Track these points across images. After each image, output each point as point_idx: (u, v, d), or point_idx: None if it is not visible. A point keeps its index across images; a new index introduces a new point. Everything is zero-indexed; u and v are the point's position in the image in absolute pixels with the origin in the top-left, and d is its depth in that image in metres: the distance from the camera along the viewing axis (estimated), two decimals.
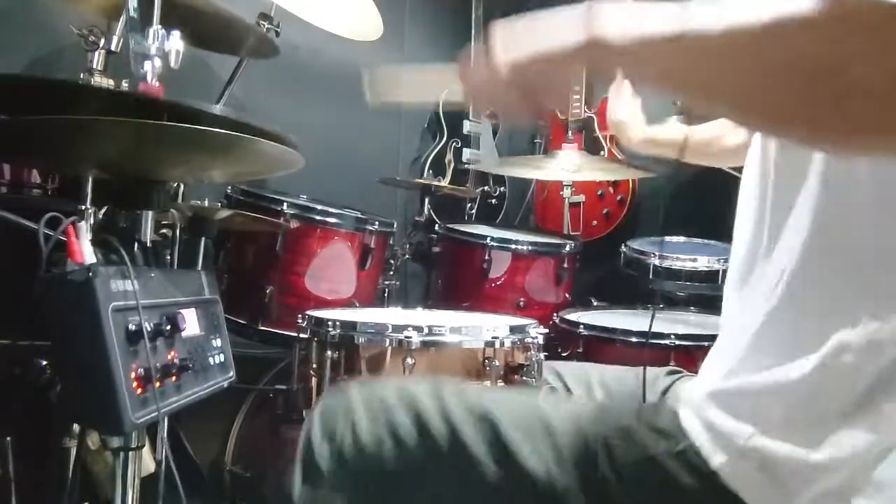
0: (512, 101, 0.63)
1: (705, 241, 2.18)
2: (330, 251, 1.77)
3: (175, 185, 1.37)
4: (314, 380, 1.25)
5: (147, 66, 0.98)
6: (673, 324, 1.66)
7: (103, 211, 1.18)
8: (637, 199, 2.75)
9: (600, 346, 1.61)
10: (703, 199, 2.19)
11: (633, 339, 1.59)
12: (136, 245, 1.02)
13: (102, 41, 1.26)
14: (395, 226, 1.88)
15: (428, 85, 0.83)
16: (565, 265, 2.00)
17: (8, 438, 1.31)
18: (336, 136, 2.68)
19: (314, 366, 1.26)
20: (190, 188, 1.43)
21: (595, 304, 2.13)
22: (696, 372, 0.83)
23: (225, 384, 1.10)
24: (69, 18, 1.47)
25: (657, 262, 2.03)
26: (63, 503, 1.18)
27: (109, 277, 0.86)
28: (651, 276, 2.03)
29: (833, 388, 0.65)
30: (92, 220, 1.16)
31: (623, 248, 2.16)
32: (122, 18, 1.29)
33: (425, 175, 2.87)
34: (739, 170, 0.84)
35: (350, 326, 1.22)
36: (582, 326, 1.66)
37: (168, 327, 0.93)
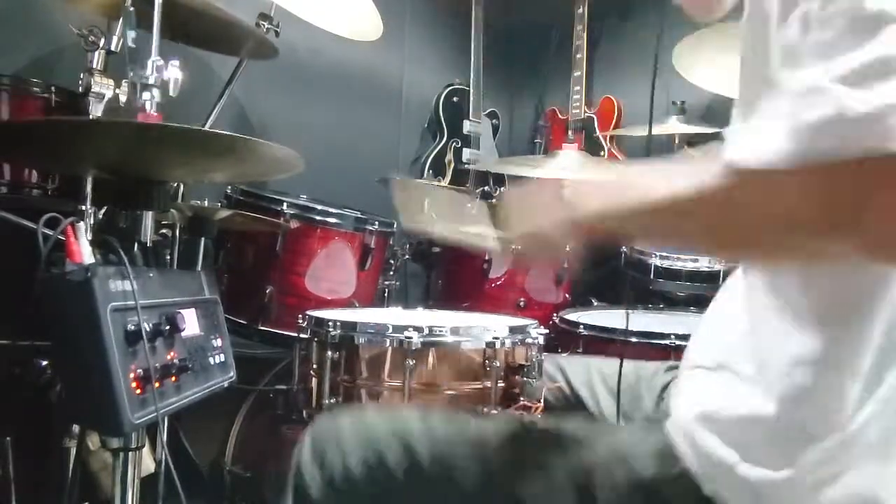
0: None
1: None
2: (330, 251, 1.76)
3: (175, 185, 1.36)
4: (314, 380, 1.25)
5: (146, 96, 1.01)
6: (673, 324, 1.66)
7: (103, 211, 1.18)
8: None
9: (600, 346, 1.61)
10: None
11: (634, 340, 1.58)
12: (135, 245, 1.02)
13: (102, 41, 1.26)
14: (395, 226, 1.87)
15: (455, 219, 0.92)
16: (565, 265, 2.00)
17: (8, 438, 1.31)
18: (336, 136, 2.68)
19: (314, 366, 1.25)
20: (190, 188, 1.43)
21: (595, 304, 2.12)
22: None
23: (225, 384, 1.10)
24: (69, 18, 1.48)
25: (658, 262, 2.02)
26: (63, 503, 1.18)
27: (108, 277, 0.85)
28: (651, 277, 2.03)
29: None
30: (92, 221, 1.16)
31: (623, 249, 2.15)
32: (121, 19, 1.29)
33: (425, 175, 2.87)
34: None
35: (350, 327, 1.22)
36: (582, 326, 1.66)
37: (167, 327, 0.93)
